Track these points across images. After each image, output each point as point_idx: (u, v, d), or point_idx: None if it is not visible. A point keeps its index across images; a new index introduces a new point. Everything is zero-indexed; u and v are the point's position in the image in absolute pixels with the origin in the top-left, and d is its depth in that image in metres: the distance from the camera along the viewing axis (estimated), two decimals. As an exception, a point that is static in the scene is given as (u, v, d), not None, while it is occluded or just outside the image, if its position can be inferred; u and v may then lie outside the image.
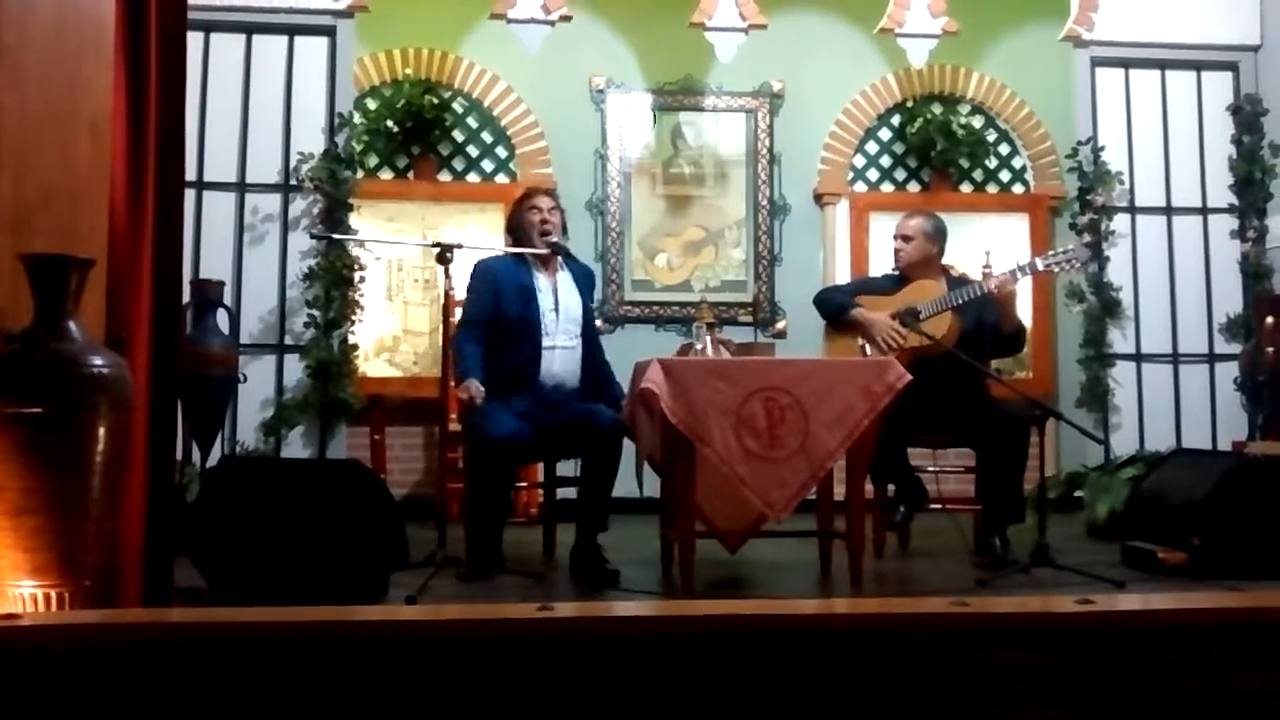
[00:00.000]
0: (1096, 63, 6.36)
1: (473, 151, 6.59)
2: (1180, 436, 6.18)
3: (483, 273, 4.47)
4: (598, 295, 6.44)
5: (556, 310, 4.45)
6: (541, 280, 4.48)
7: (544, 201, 4.55)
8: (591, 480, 4.24)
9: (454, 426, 4.53)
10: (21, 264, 3.12)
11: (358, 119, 6.14)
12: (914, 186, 6.86)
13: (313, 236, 5.64)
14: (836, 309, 4.76)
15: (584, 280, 4.63)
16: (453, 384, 4.24)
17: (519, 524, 5.58)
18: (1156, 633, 3.02)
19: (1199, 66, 6.39)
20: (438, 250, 4.05)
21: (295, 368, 5.70)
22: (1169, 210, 6.37)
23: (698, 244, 6.72)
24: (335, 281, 5.70)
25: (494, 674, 2.85)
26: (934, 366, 4.36)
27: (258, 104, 5.81)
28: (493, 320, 4.36)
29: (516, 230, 4.54)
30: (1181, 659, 3.00)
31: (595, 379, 4.54)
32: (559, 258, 4.53)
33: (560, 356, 4.43)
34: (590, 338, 4.57)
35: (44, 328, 3.08)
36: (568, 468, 4.62)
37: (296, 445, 5.67)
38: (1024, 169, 6.90)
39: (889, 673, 2.93)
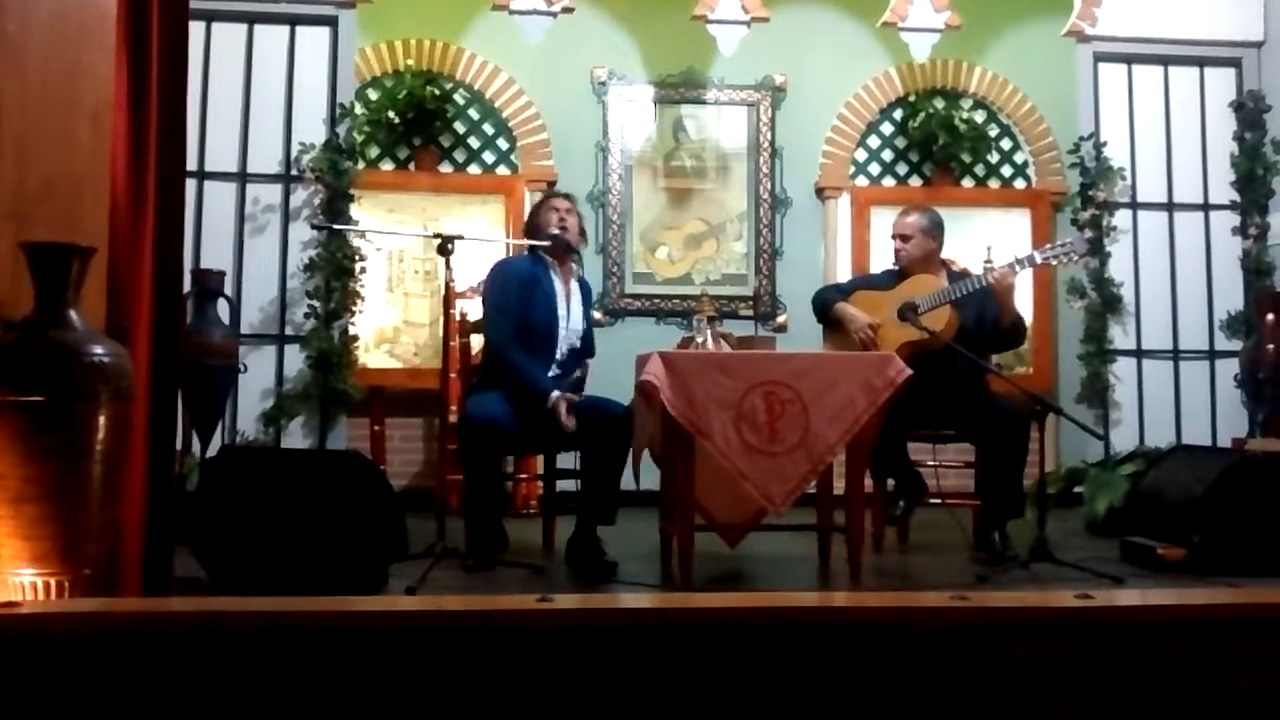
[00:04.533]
0: (1099, 58, 6.36)
1: (474, 143, 6.59)
2: (1180, 433, 6.19)
3: (504, 271, 4.47)
4: (599, 289, 6.46)
5: (566, 319, 4.47)
6: (558, 286, 4.48)
7: (562, 203, 4.56)
8: (599, 471, 4.23)
9: (454, 418, 4.53)
10: (23, 252, 3.12)
11: (359, 110, 6.14)
12: (916, 181, 6.85)
13: (313, 227, 5.64)
14: (822, 304, 4.78)
15: (587, 299, 4.66)
16: (455, 375, 4.23)
17: (519, 516, 5.60)
18: (1155, 628, 3.03)
19: (1202, 62, 6.39)
20: (438, 241, 4.04)
21: (295, 358, 5.70)
22: (1170, 206, 6.37)
23: (699, 237, 6.71)
24: (336, 272, 5.69)
25: (493, 665, 2.85)
26: (934, 361, 4.36)
27: (259, 94, 5.81)
28: (518, 321, 4.36)
29: (533, 229, 4.54)
30: (1180, 655, 3.01)
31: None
32: (575, 267, 4.55)
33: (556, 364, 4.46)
34: (586, 352, 4.61)
35: (45, 316, 3.08)
36: (567, 460, 4.63)
37: (296, 436, 5.67)
38: (1026, 164, 6.89)
39: (888, 667, 2.94)
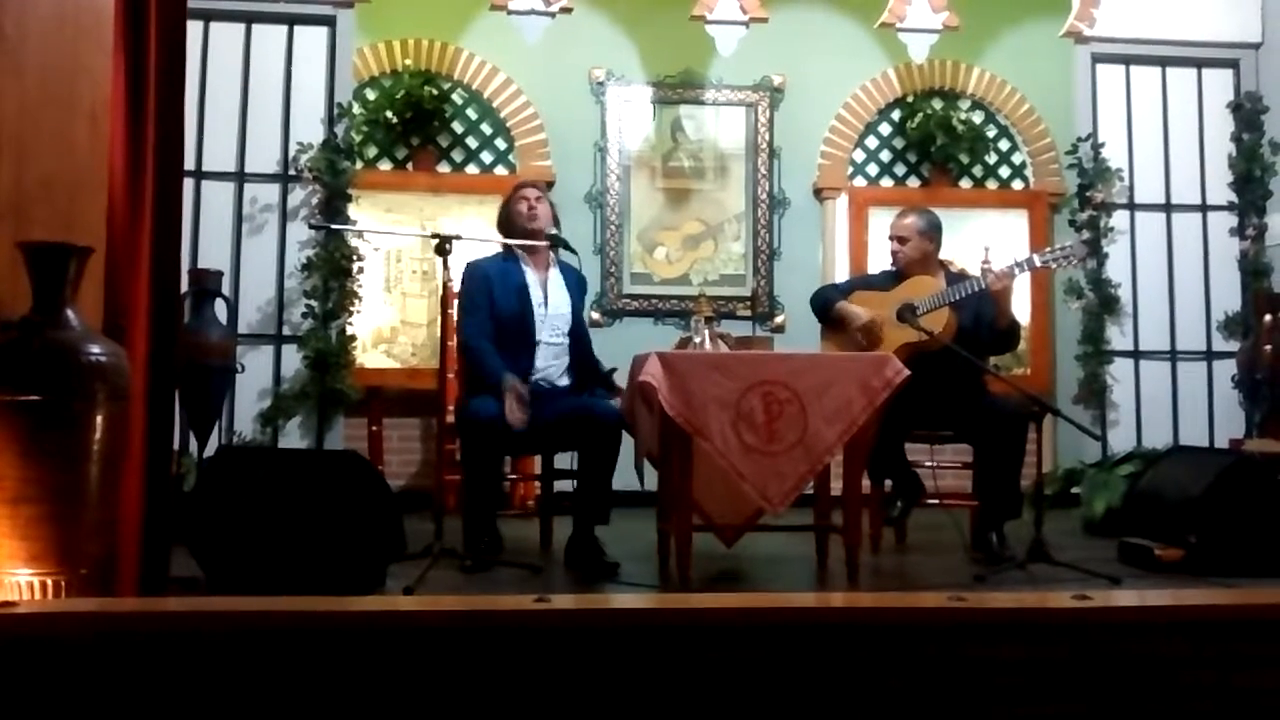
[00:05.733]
0: (1097, 59, 6.37)
1: (472, 143, 6.58)
2: (1178, 434, 6.20)
3: (474, 272, 4.48)
4: (596, 289, 6.45)
5: (545, 305, 4.46)
6: (532, 276, 4.49)
7: (530, 192, 4.56)
8: (591, 472, 4.23)
9: (451, 418, 4.53)
10: (20, 252, 3.12)
11: (357, 109, 6.13)
12: (914, 182, 6.85)
13: (311, 227, 5.64)
14: (823, 303, 4.79)
15: (576, 284, 4.64)
16: (454, 375, 4.22)
17: (516, 516, 5.60)
18: (1152, 629, 3.03)
19: (1200, 64, 6.40)
20: (436, 241, 4.04)
21: (293, 358, 5.70)
22: (1168, 207, 6.38)
23: (697, 238, 6.71)
24: (333, 272, 5.70)
25: (491, 665, 2.85)
26: (932, 362, 4.36)
27: (257, 94, 5.81)
28: (491, 317, 4.37)
29: (507, 224, 4.55)
30: (1177, 655, 3.01)
31: (586, 376, 4.55)
32: (551, 254, 4.55)
33: (544, 352, 4.45)
34: (579, 338, 4.59)
35: (42, 316, 3.08)
36: (565, 460, 4.63)
37: (294, 436, 5.68)
38: (1024, 165, 6.89)
39: (885, 667, 2.94)
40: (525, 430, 4.16)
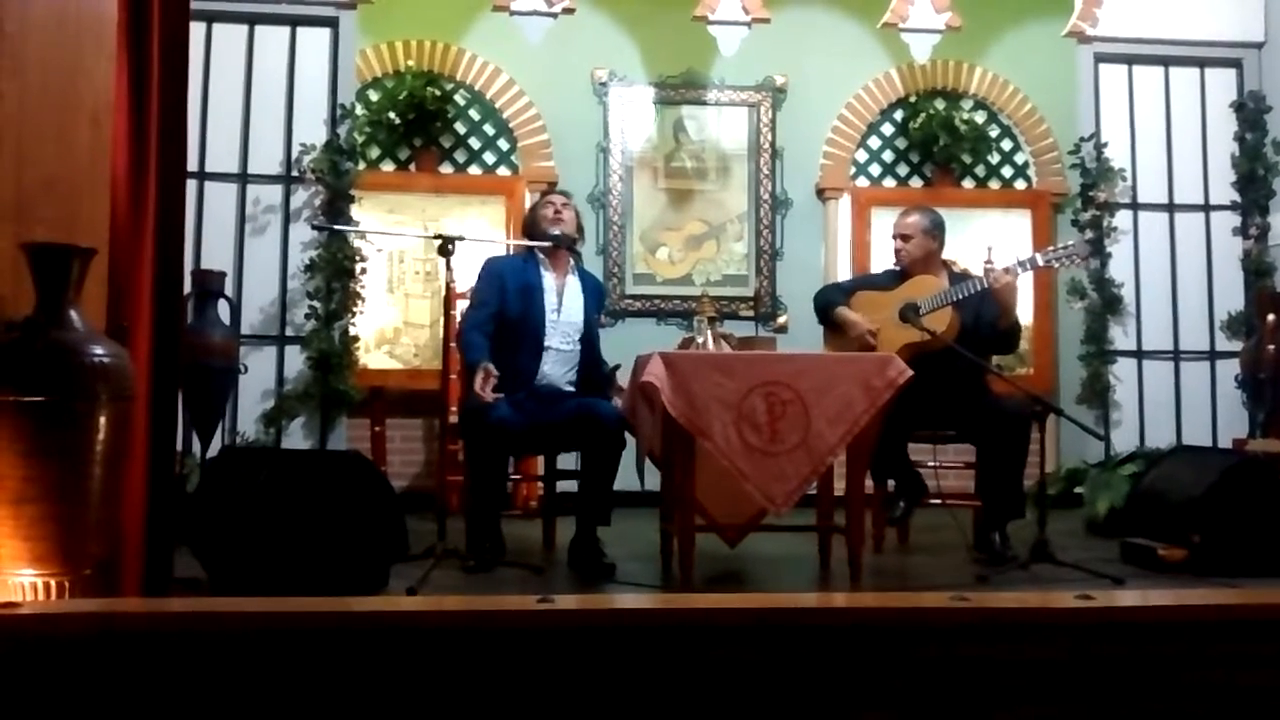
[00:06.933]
0: (1100, 59, 6.36)
1: (474, 144, 6.59)
2: (1181, 434, 6.19)
3: (490, 270, 4.50)
4: (599, 289, 6.46)
5: (558, 311, 4.46)
6: (548, 279, 4.49)
7: (558, 198, 4.61)
8: (593, 473, 4.24)
9: (454, 419, 4.54)
10: (23, 253, 3.12)
11: (360, 110, 6.14)
12: (916, 182, 6.85)
13: (314, 228, 5.65)
14: (824, 305, 4.78)
15: (593, 292, 4.65)
16: (456, 376, 4.23)
17: (519, 517, 5.60)
18: (1155, 629, 3.03)
19: (1202, 63, 6.40)
20: (439, 242, 4.04)
21: (296, 359, 5.71)
22: (1171, 207, 6.38)
23: (699, 238, 6.71)
24: (336, 273, 5.70)
25: (494, 665, 2.85)
26: (934, 362, 4.35)
27: (260, 95, 5.81)
28: (496, 315, 4.37)
29: (531, 227, 4.58)
30: (1180, 655, 3.01)
31: (589, 379, 4.55)
32: (571, 261, 4.57)
33: (552, 358, 4.45)
34: (589, 344, 4.58)
35: (45, 317, 3.08)
36: (568, 461, 4.63)
37: (297, 436, 5.68)
38: (1026, 165, 6.89)
39: (888, 667, 2.94)
40: (523, 426, 4.16)
